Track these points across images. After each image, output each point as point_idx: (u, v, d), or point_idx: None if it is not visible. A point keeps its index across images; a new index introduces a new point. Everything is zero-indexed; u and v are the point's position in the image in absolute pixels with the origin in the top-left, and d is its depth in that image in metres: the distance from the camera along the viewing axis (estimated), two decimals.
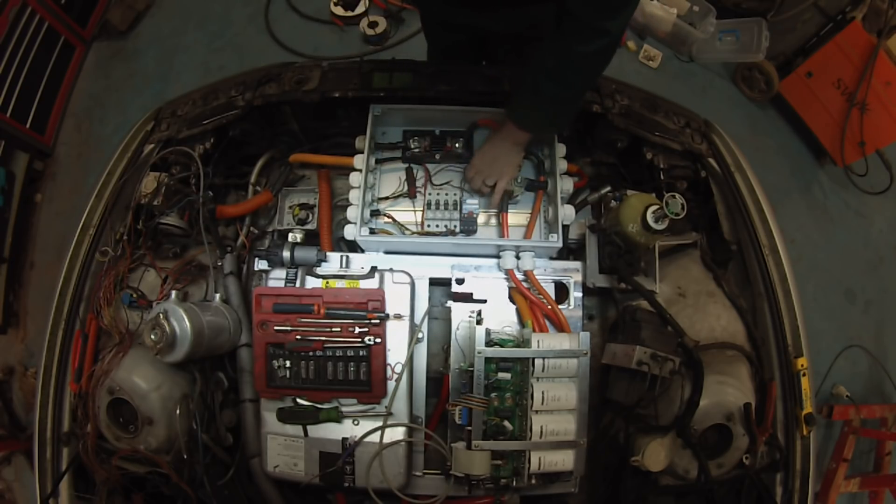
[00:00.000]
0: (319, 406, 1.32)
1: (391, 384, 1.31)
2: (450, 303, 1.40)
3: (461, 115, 1.52)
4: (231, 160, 1.71)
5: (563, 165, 1.46)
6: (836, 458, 2.57)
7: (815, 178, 3.34)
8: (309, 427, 1.32)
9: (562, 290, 1.43)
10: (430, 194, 1.50)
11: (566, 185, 1.44)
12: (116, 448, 1.35)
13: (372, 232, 1.44)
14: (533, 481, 1.28)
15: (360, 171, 1.43)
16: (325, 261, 1.41)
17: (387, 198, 1.50)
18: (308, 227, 1.55)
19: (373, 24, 3.28)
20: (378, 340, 1.28)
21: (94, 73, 3.32)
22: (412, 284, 1.37)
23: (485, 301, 1.40)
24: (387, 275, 1.38)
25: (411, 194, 1.50)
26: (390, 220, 1.47)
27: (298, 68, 1.59)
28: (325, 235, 1.53)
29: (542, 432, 1.25)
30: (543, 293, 1.38)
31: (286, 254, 1.36)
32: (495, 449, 1.24)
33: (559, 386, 1.27)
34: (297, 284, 1.37)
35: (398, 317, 1.33)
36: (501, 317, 1.39)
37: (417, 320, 1.37)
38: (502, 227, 1.45)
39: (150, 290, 1.50)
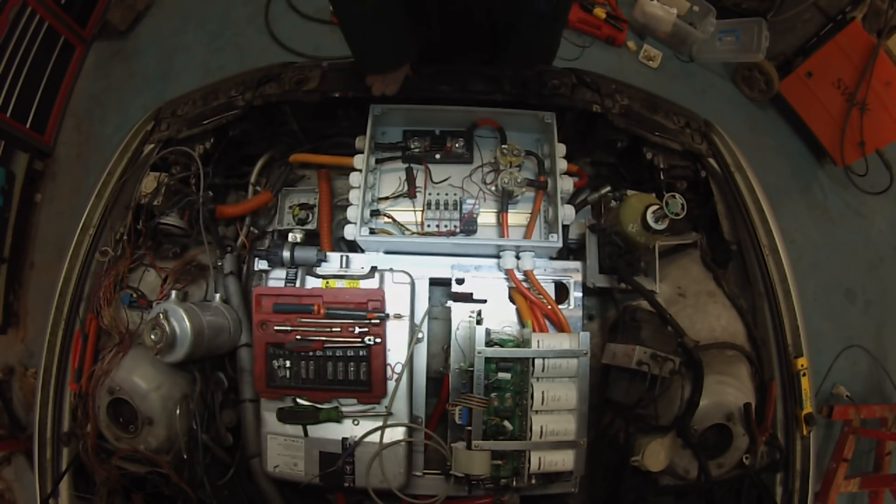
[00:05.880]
0: (319, 406, 1.32)
1: (391, 384, 1.31)
2: (450, 303, 1.41)
3: (461, 115, 1.52)
4: (231, 160, 1.71)
5: (563, 165, 1.46)
6: (836, 458, 2.57)
7: (815, 178, 3.34)
8: (309, 427, 1.32)
9: (562, 290, 1.43)
10: (429, 194, 1.50)
11: (566, 185, 1.44)
12: (116, 448, 1.35)
13: (372, 232, 1.44)
14: (533, 481, 1.28)
15: (360, 171, 1.43)
16: (325, 261, 1.41)
17: (387, 198, 1.50)
18: (308, 227, 1.55)
19: None
20: (378, 340, 1.28)
21: (94, 73, 3.32)
22: (412, 284, 1.37)
23: (485, 301, 1.40)
24: (387, 275, 1.38)
25: (411, 194, 1.50)
26: (390, 220, 1.47)
27: (298, 68, 1.59)
28: (325, 235, 1.53)
29: (542, 432, 1.25)
30: (543, 293, 1.38)
31: (286, 254, 1.36)
32: (495, 449, 1.24)
33: (559, 386, 1.27)
34: (297, 284, 1.37)
35: (398, 317, 1.33)
36: (501, 317, 1.39)
37: (417, 320, 1.37)
38: (502, 227, 1.45)
39: (150, 290, 1.50)
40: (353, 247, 1.45)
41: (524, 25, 1.59)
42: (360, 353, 1.28)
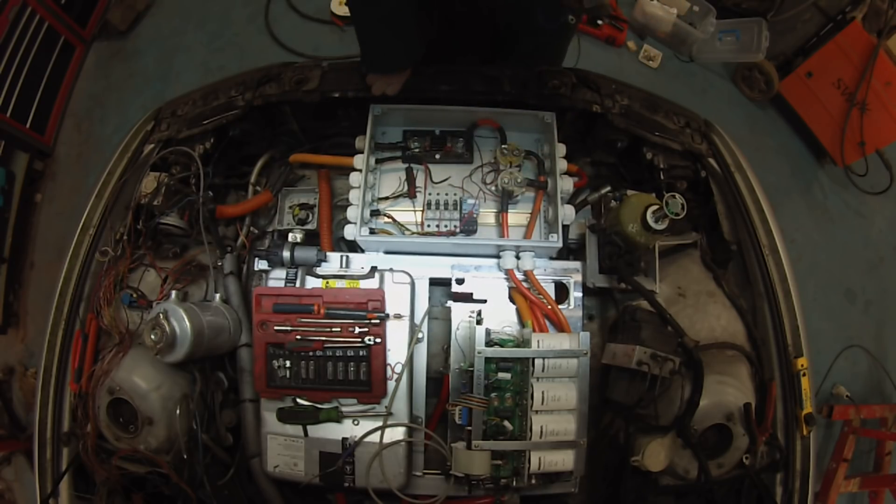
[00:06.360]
0: (319, 406, 1.32)
1: (391, 384, 1.31)
2: (450, 303, 1.40)
3: (461, 115, 1.52)
4: (231, 160, 1.71)
5: (563, 165, 1.46)
6: (836, 458, 2.58)
7: (815, 178, 3.35)
8: (309, 427, 1.32)
9: (562, 290, 1.43)
10: (430, 194, 1.50)
11: (566, 185, 1.44)
12: (116, 448, 1.35)
13: (372, 232, 1.44)
14: (533, 481, 1.28)
15: (360, 171, 1.43)
16: (325, 261, 1.41)
17: (387, 198, 1.50)
18: (308, 227, 1.55)
19: None
20: (378, 340, 1.28)
21: (94, 73, 3.33)
22: (412, 284, 1.37)
23: (485, 301, 1.40)
24: (387, 275, 1.38)
25: (411, 194, 1.49)
26: (390, 220, 1.47)
27: (298, 68, 1.59)
28: (325, 235, 1.53)
29: (542, 432, 1.25)
30: (543, 293, 1.38)
31: (286, 254, 1.36)
32: (495, 449, 1.24)
33: (559, 386, 1.27)
34: (297, 284, 1.37)
35: (398, 317, 1.33)
36: (501, 317, 1.39)
37: (417, 320, 1.37)
38: (502, 227, 1.45)
39: (150, 290, 1.50)
40: (353, 247, 1.45)
41: (527, 34, 1.59)
42: (360, 353, 1.28)
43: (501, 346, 1.29)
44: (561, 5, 1.34)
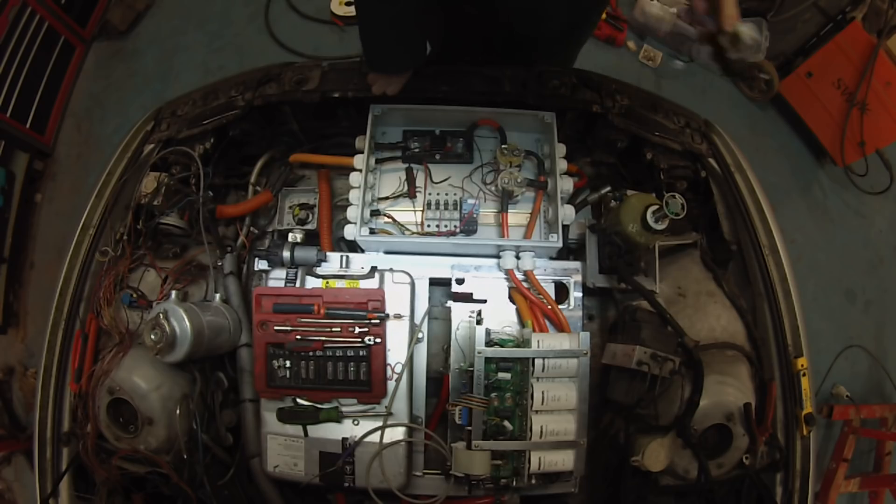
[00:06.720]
0: (319, 406, 1.32)
1: (391, 384, 1.31)
2: (450, 303, 1.40)
3: (461, 115, 1.52)
4: (231, 160, 1.71)
5: (563, 165, 1.46)
6: (836, 458, 2.58)
7: (815, 178, 3.34)
8: (309, 427, 1.32)
9: (562, 290, 1.43)
10: (430, 194, 1.50)
11: (566, 185, 1.44)
12: (116, 448, 1.35)
13: (372, 232, 1.44)
14: (533, 481, 1.28)
15: (360, 171, 1.43)
16: (325, 261, 1.41)
17: (387, 198, 1.50)
18: (308, 227, 1.55)
19: None
20: (378, 340, 1.28)
21: (94, 73, 3.32)
22: (412, 284, 1.37)
23: (485, 301, 1.40)
24: (387, 275, 1.38)
25: (411, 194, 1.49)
26: (390, 220, 1.47)
27: (298, 68, 1.59)
28: (325, 235, 1.53)
29: (542, 432, 1.25)
30: (543, 293, 1.38)
31: (286, 254, 1.36)
32: (495, 449, 1.24)
33: (559, 386, 1.27)
34: (297, 284, 1.37)
35: (398, 317, 1.33)
36: (501, 317, 1.39)
37: (417, 320, 1.37)
38: (502, 227, 1.45)
39: (150, 290, 1.50)
40: (353, 247, 1.45)
41: (544, 41, 1.59)
42: (360, 353, 1.28)
43: (501, 346, 1.29)
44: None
